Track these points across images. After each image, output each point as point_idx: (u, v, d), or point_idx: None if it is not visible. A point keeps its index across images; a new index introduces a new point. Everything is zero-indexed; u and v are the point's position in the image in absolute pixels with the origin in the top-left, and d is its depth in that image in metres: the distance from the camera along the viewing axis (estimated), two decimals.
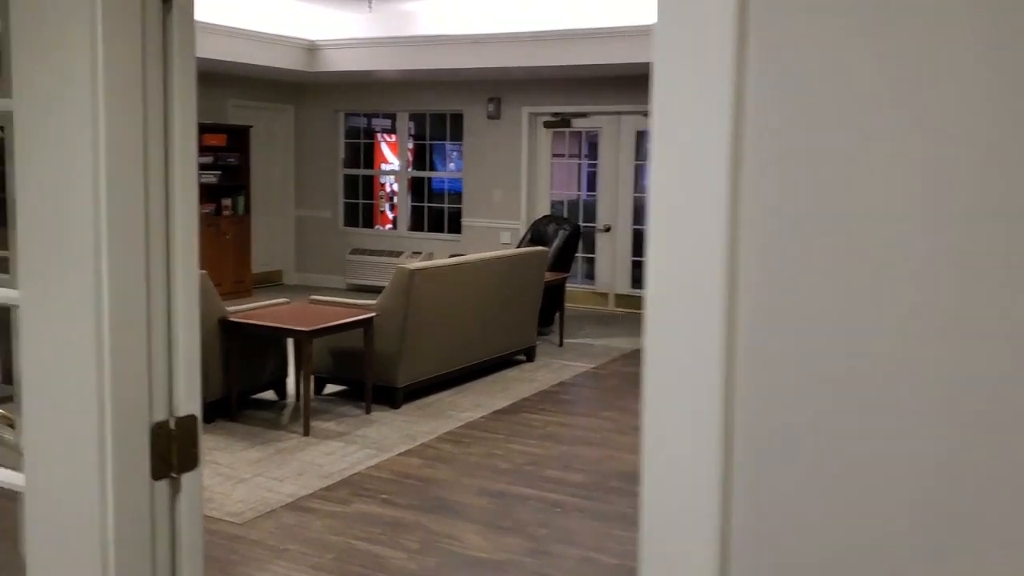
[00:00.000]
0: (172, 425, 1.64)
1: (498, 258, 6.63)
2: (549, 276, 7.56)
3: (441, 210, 10.79)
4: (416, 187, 10.99)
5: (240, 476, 4.57)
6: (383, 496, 4.37)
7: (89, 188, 1.48)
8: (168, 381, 1.64)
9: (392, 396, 5.83)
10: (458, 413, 5.77)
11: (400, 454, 4.97)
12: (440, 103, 10.44)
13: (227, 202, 10.05)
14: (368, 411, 5.69)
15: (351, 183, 11.21)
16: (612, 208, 9.79)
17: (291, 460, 4.83)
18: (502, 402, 6.06)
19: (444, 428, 5.45)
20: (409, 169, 10.97)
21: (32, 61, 1.51)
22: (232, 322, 5.36)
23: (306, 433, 5.22)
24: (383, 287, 10.31)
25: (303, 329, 5.16)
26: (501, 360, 6.92)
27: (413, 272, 5.74)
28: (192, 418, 1.68)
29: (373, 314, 5.62)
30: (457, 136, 10.52)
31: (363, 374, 5.71)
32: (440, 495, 4.41)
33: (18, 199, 1.57)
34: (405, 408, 5.84)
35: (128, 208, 1.52)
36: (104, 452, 1.55)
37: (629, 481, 4.66)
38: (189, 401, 1.67)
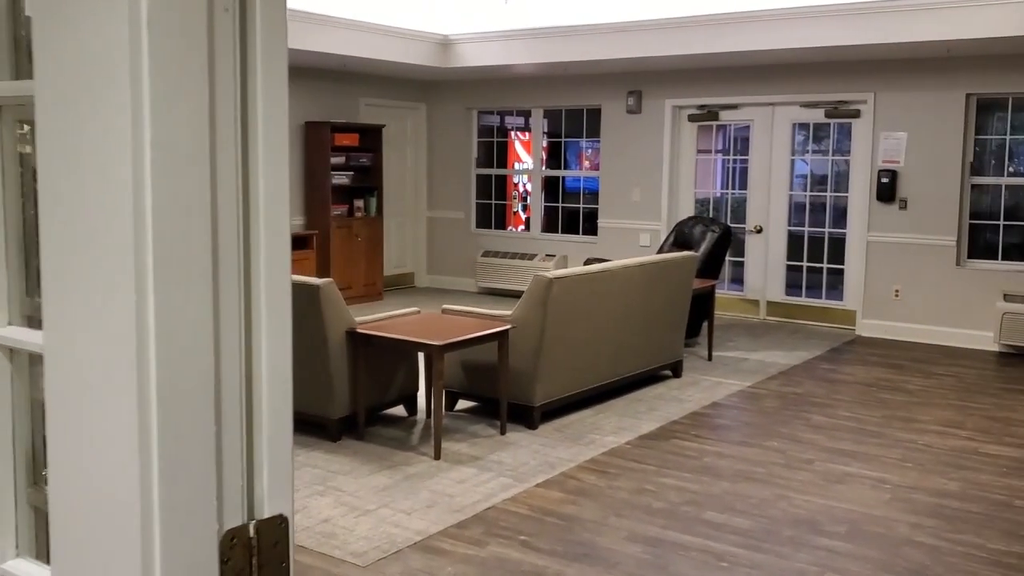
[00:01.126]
0: (252, 532, 1.15)
1: (643, 264, 6.03)
2: (697, 283, 6.91)
3: (576, 210, 10.25)
4: (550, 187, 10.49)
5: (365, 507, 4.15)
6: (522, 537, 3.86)
7: (129, 192, 1.01)
8: (247, 469, 1.15)
9: (528, 415, 5.33)
10: (601, 437, 5.21)
11: (538, 485, 4.46)
12: (576, 98, 9.90)
13: (359, 203, 9.80)
14: (503, 432, 5.20)
15: (483, 183, 10.80)
16: (763, 208, 9.01)
17: (420, 488, 4.38)
18: (649, 425, 5.47)
19: (586, 455, 4.90)
20: (543, 168, 10.48)
21: (56, 26, 1.05)
22: (360, 334, 4.97)
23: (437, 456, 4.77)
24: (514, 291, 9.93)
25: (435, 343, 4.71)
26: (645, 376, 6.32)
27: (552, 281, 5.21)
28: (280, 520, 1.19)
29: (509, 326, 5.13)
30: (594, 133, 9.95)
31: (497, 390, 5.23)
32: (586, 539, 3.86)
33: (40, 214, 1.12)
34: (542, 429, 5.32)
35: (187, 219, 1.04)
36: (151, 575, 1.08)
37: (807, 529, 3.99)
38: (277, 496, 1.18)
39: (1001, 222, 7.96)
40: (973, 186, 8.03)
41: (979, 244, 8.08)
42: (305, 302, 4.85)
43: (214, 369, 1.08)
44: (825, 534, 3.96)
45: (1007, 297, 7.72)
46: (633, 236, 9.55)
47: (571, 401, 5.63)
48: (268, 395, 1.16)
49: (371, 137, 9.84)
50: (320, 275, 8.95)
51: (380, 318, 5.30)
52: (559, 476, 4.58)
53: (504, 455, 4.87)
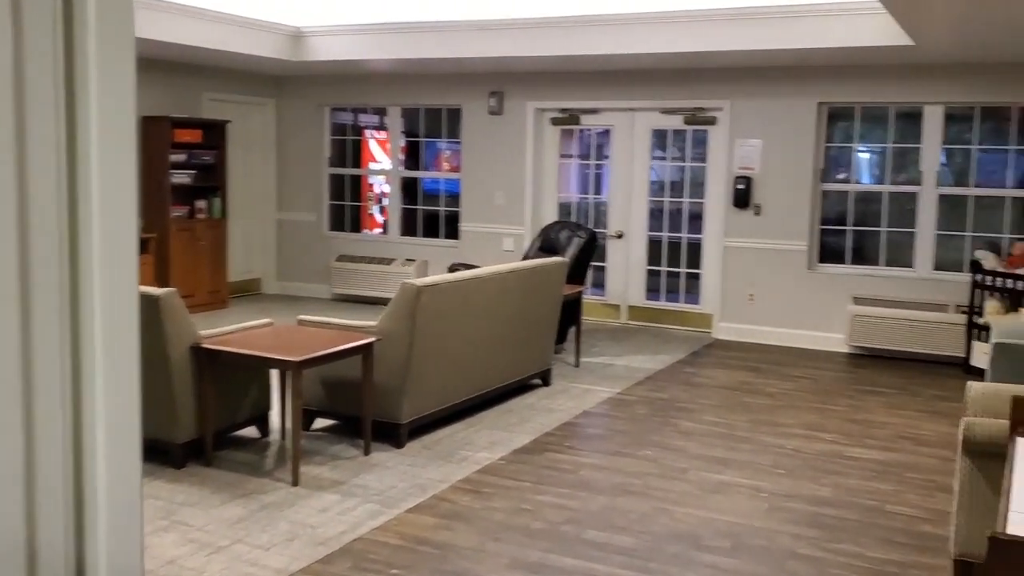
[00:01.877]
0: None
1: (514, 271, 5.80)
2: (565, 289, 6.75)
3: (436, 214, 9.96)
4: (408, 189, 10.14)
5: (216, 543, 3.71)
6: (393, 571, 3.53)
7: None
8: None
9: (395, 433, 5.00)
10: (473, 453, 4.94)
11: (409, 510, 4.14)
12: (436, 97, 9.61)
13: (202, 204, 9.16)
14: (367, 452, 4.85)
15: (337, 184, 10.34)
16: (624, 213, 9.00)
17: (278, 519, 3.97)
18: (522, 438, 5.24)
19: (459, 474, 4.61)
20: (401, 169, 10.13)
21: None
22: (207, 349, 4.50)
23: (295, 483, 4.37)
24: (372, 297, 9.55)
25: (292, 359, 4.30)
26: (516, 386, 6.09)
27: (420, 289, 4.90)
28: None
29: (373, 338, 4.78)
30: (454, 133, 9.69)
31: (360, 407, 4.87)
32: (463, 568, 3.57)
33: None
34: (410, 447, 5.00)
35: None
36: None
37: (690, 545, 3.85)
38: None
39: (849, 227, 8.22)
40: (823, 192, 8.25)
41: (829, 249, 8.32)
42: (143, 315, 4.34)
43: (24, 437, 0.74)
44: (709, 549, 3.82)
45: (856, 300, 7.96)
46: (496, 241, 9.35)
47: (441, 416, 5.34)
48: (108, 470, 0.82)
49: (215, 133, 9.22)
50: (158, 282, 8.30)
51: (229, 331, 4.84)
52: (431, 499, 4.28)
53: (370, 478, 4.52)
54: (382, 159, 10.32)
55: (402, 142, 10.11)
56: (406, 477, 4.55)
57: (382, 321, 4.95)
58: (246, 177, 9.99)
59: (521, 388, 6.26)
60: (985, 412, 3.97)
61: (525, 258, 7.88)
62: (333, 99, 10.09)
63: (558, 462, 4.87)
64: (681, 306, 8.86)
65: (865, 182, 8.22)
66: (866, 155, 8.25)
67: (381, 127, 10.29)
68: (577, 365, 7.06)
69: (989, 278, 7.08)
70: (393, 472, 4.61)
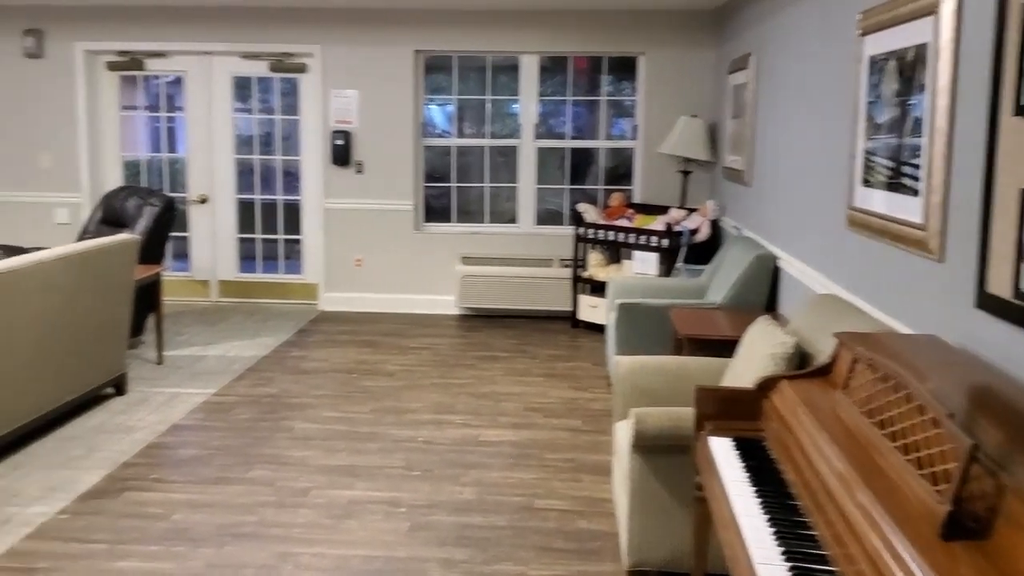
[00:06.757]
0: None
1: (67, 257, 4.49)
2: (139, 270, 5.52)
3: None
4: None
5: None
6: None
7: None
8: None
9: None
10: (21, 510, 3.68)
11: None
12: None
13: None
14: None
15: None
16: (207, 173, 7.80)
17: None
18: (91, 476, 4.05)
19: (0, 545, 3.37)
20: None
21: None
22: None
23: None
24: None
25: None
26: (79, 403, 4.80)
27: None
28: None
29: None
30: None
31: None
32: None
33: None
34: None
35: None
36: None
37: None
38: None
39: (453, 184, 7.83)
40: (425, 147, 7.77)
41: (434, 208, 7.88)
42: None
43: None
44: None
45: (465, 260, 7.63)
46: (45, 212, 7.64)
47: None
48: None
49: None
50: None
51: None
52: None
53: None
54: None
55: None
56: None
57: None
58: None
59: (87, 403, 4.98)
60: (635, 389, 3.64)
61: (84, 234, 6.44)
62: None
63: (143, 505, 3.79)
64: (281, 277, 7.93)
65: (464, 136, 7.86)
66: (460, 108, 7.88)
67: None
68: (160, 362, 5.87)
69: (591, 231, 7.07)
70: None
